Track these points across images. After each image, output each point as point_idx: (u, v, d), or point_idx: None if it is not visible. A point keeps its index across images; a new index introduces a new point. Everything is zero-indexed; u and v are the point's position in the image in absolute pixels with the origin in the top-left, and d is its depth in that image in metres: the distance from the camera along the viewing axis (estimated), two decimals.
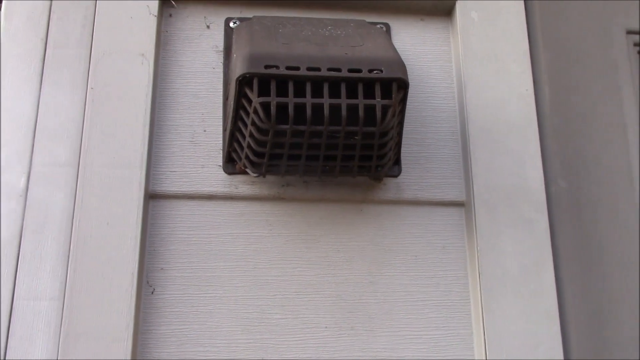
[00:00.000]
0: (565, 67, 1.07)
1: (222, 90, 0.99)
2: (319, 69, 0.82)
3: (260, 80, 0.81)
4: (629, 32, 1.10)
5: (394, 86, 0.83)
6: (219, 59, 1.01)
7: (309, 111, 0.81)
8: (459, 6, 1.06)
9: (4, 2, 0.97)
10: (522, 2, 1.08)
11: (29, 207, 0.89)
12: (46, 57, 0.95)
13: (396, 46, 1.04)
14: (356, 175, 0.92)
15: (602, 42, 1.09)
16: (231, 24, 1.02)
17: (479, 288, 0.93)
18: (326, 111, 0.81)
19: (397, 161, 0.97)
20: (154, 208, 0.93)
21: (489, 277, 0.93)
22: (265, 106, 0.81)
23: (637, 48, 1.11)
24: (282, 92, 0.81)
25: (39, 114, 0.93)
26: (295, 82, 0.81)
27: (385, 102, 0.82)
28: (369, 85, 0.83)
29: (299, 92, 0.81)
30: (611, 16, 1.10)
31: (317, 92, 0.82)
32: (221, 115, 0.98)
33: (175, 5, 1.02)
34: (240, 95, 0.83)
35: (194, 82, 1.00)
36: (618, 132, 1.05)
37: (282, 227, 0.95)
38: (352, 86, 0.82)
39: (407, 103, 0.88)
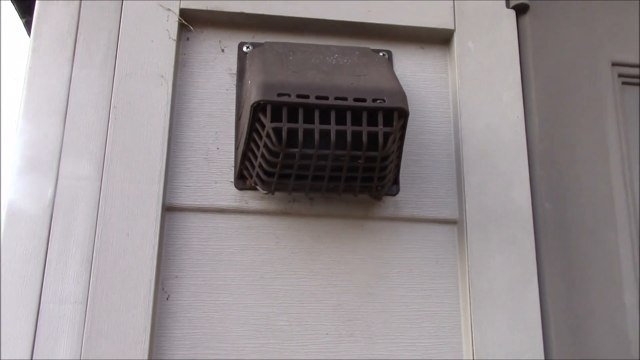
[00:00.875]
0: (554, 96, 1.12)
1: (234, 110, 1.06)
2: (327, 98, 0.88)
3: (273, 107, 0.88)
4: (615, 64, 1.16)
5: (395, 115, 0.90)
6: (232, 81, 1.08)
7: (317, 136, 0.88)
8: (456, 36, 1.12)
9: (34, 23, 1.03)
10: (516, 34, 1.14)
11: (55, 217, 0.95)
12: (72, 77, 1.02)
13: (397, 72, 1.11)
14: (358, 194, 0.99)
15: (589, 73, 1.15)
16: (244, 49, 1.09)
17: (468, 300, 1.00)
18: (333, 137, 0.88)
19: (396, 181, 1.04)
20: (169, 220, 1.00)
21: (478, 291, 1.00)
22: (277, 131, 0.87)
23: (622, 79, 1.17)
24: (292, 117, 0.88)
25: (65, 129, 0.99)
26: (304, 109, 0.88)
27: (387, 129, 0.89)
28: (372, 113, 0.90)
29: (308, 118, 0.88)
30: (598, 48, 1.17)
31: (324, 119, 0.88)
32: (233, 134, 1.05)
33: (192, 29, 1.09)
34: (254, 119, 0.90)
35: (208, 102, 1.06)
36: (601, 159, 1.10)
37: (289, 240, 1.02)
38: (357, 114, 0.89)
39: (407, 126, 0.94)
